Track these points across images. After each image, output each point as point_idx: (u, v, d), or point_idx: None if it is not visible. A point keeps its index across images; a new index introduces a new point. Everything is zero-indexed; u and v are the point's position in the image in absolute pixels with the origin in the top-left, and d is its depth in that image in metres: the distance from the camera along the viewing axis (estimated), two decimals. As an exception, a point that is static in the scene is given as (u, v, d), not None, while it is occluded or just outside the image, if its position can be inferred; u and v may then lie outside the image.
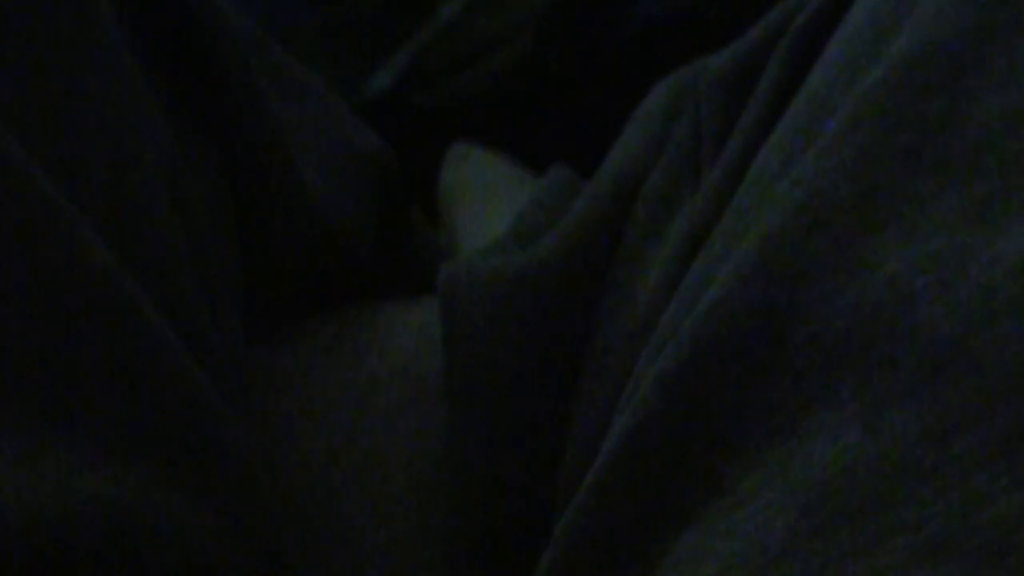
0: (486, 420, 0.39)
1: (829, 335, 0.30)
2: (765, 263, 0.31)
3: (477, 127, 0.60)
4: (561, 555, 0.32)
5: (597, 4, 0.60)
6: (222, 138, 0.39)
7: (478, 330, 0.39)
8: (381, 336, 0.42)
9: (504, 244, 0.42)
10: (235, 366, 0.37)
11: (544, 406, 0.39)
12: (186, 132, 0.39)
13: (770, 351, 0.30)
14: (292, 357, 0.41)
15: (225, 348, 0.37)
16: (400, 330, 0.42)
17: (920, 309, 0.29)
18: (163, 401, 0.33)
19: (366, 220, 0.44)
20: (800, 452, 0.29)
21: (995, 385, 0.28)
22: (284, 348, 0.42)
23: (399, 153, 0.46)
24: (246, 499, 0.34)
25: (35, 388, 0.31)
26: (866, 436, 0.29)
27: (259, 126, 0.40)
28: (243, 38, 0.41)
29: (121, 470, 0.32)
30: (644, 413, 0.31)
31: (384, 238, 0.45)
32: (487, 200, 0.53)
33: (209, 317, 0.36)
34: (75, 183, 0.33)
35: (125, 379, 0.32)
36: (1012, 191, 0.30)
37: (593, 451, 0.34)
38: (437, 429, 0.39)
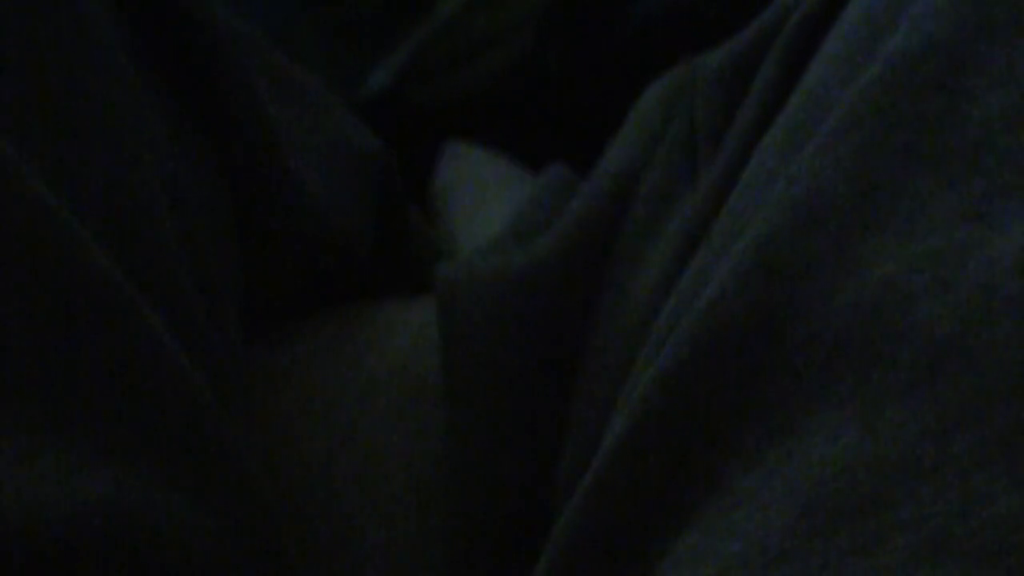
0: (485, 419, 0.38)
1: (827, 334, 0.30)
2: (763, 261, 0.31)
3: (476, 125, 0.60)
4: (560, 555, 0.32)
5: (596, 2, 0.60)
6: (220, 139, 0.39)
7: (476, 330, 0.39)
8: (380, 336, 0.42)
9: (502, 243, 0.42)
10: (234, 366, 0.37)
11: (543, 405, 0.39)
12: (184, 133, 0.39)
13: (768, 350, 0.30)
14: (291, 357, 0.41)
15: (224, 348, 0.37)
16: (399, 330, 0.42)
17: (919, 308, 0.29)
18: (162, 402, 0.33)
19: (364, 220, 0.44)
20: (799, 451, 0.29)
21: (994, 384, 0.28)
22: (283, 348, 0.42)
23: (398, 151, 0.46)
24: (245, 499, 0.34)
25: (35, 389, 0.31)
26: (865, 435, 0.29)
27: (256, 127, 0.40)
28: (240, 39, 0.41)
29: (121, 471, 0.32)
30: (643, 412, 0.31)
31: (382, 238, 0.45)
32: (482, 199, 0.53)
33: (207, 317, 0.36)
34: (73, 185, 0.33)
35: (124, 380, 0.32)
36: (1010, 189, 0.29)
37: (592, 450, 0.34)
38: (436, 429, 0.39)
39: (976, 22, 0.31)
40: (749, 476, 0.30)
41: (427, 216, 0.55)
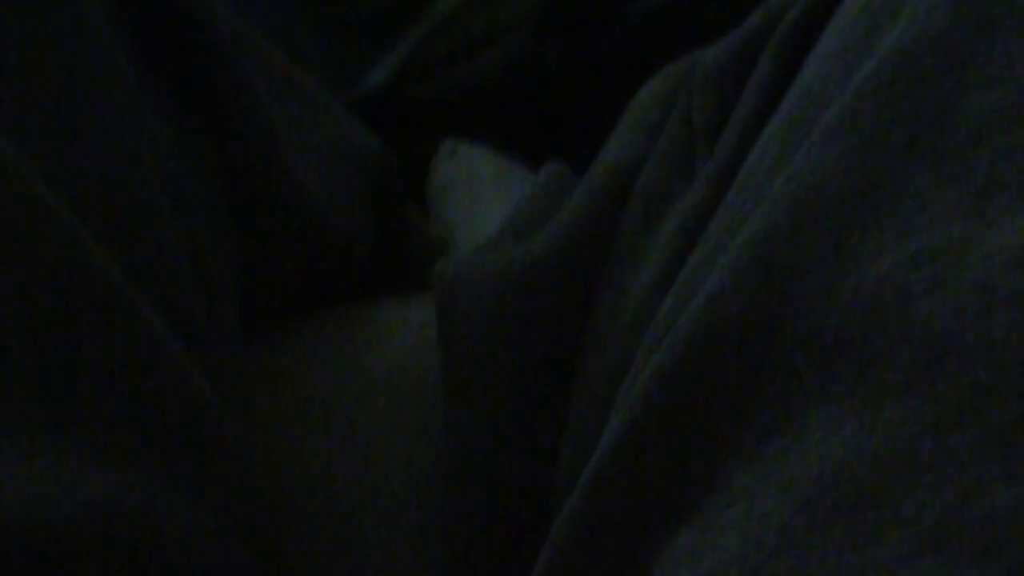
0: (484, 418, 0.39)
1: (826, 331, 0.30)
2: (761, 258, 0.31)
3: (474, 123, 0.60)
4: (559, 552, 0.32)
5: (595, 0, 0.60)
6: (219, 139, 0.39)
7: (475, 327, 0.39)
8: (379, 335, 0.42)
9: (500, 240, 0.42)
10: (233, 365, 0.37)
11: (542, 404, 0.39)
12: (184, 133, 0.39)
13: (767, 347, 0.30)
14: (290, 356, 0.41)
15: (223, 348, 0.37)
16: (398, 329, 0.42)
17: (916, 304, 0.29)
18: (162, 402, 0.33)
19: (363, 219, 0.44)
20: (797, 447, 0.29)
21: (992, 380, 0.28)
22: (282, 347, 0.42)
23: (396, 149, 0.46)
24: (245, 499, 0.34)
25: (35, 389, 0.31)
26: (863, 432, 0.29)
27: (255, 127, 0.40)
28: (240, 39, 0.41)
29: (121, 470, 0.32)
30: (641, 409, 0.31)
31: (381, 237, 0.45)
32: (480, 196, 0.53)
33: (207, 317, 0.36)
34: (73, 185, 0.33)
35: (124, 380, 0.32)
36: (1007, 185, 0.29)
37: (590, 448, 0.34)
38: (436, 428, 0.39)
39: (973, 18, 0.31)
40: (747, 472, 0.30)
41: (425, 213, 0.55)
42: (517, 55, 0.61)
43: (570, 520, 0.32)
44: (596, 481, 0.32)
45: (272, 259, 0.41)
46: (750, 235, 0.31)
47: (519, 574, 0.36)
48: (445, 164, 0.55)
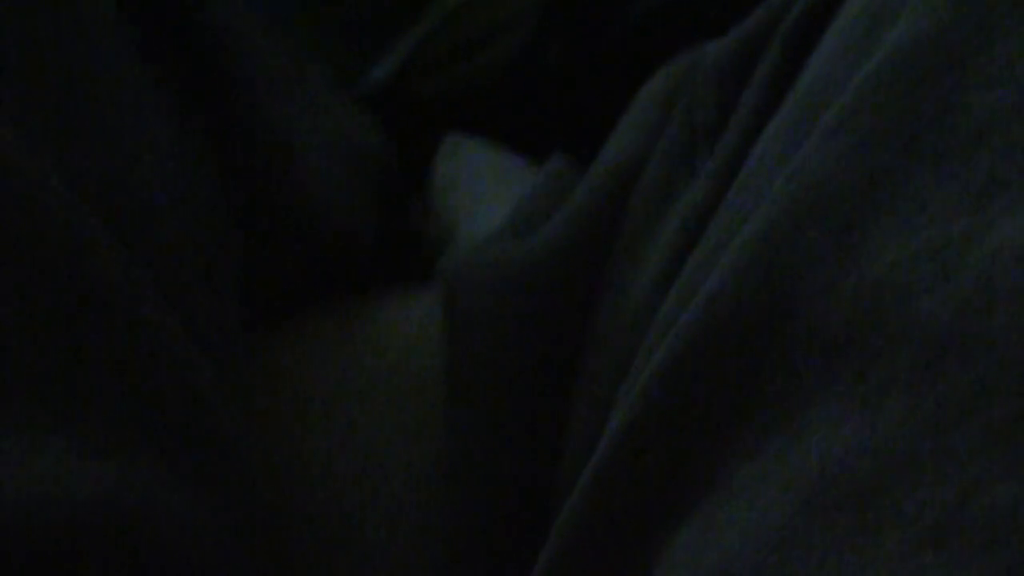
0: (484, 415, 0.39)
1: (827, 328, 0.30)
2: (762, 255, 0.31)
3: (477, 118, 0.60)
4: (559, 551, 0.32)
5: (596, -5, 0.60)
6: (220, 134, 0.39)
7: (476, 325, 0.39)
8: (381, 329, 0.42)
9: (502, 236, 0.42)
10: (234, 361, 0.37)
11: (542, 401, 0.39)
12: (184, 128, 0.39)
13: (768, 344, 0.30)
14: (291, 351, 0.41)
15: (224, 345, 0.37)
16: (400, 323, 0.42)
17: (918, 301, 0.29)
18: (163, 399, 0.33)
19: (365, 214, 0.44)
20: (798, 444, 0.29)
21: (993, 374, 0.28)
22: (283, 342, 0.42)
23: (398, 145, 0.46)
24: (247, 496, 0.34)
25: (36, 384, 0.31)
26: (864, 428, 0.29)
27: (258, 120, 0.40)
28: (241, 33, 0.41)
29: (122, 466, 0.32)
30: (642, 407, 0.31)
31: (384, 232, 0.45)
32: (481, 192, 0.52)
33: (208, 314, 0.36)
34: (76, 177, 0.33)
35: (125, 377, 0.32)
36: (1008, 183, 0.29)
37: (592, 445, 0.34)
38: (437, 423, 0.39)
39: (974, 17, 0.31)
40: (748, 469, 0.30)
41: (426, 209, 0.55)
42: (518, 53, 0.61)
43: (570, 519, 0.32)
44: (596, 480, 0.32)
45: (273, 255, 0.41)
46: (751, 234, 0.31)
47: (519, 574, 0.36)
48: (447, 161, 0.55)
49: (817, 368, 0.30)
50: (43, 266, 0.32)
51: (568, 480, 0.37)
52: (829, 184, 0.31)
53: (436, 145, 0.59)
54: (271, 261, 0.41)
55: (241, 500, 0.34)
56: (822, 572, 0.28)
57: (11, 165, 0.32)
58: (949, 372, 0.28)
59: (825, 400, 0.29)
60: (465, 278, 0.40)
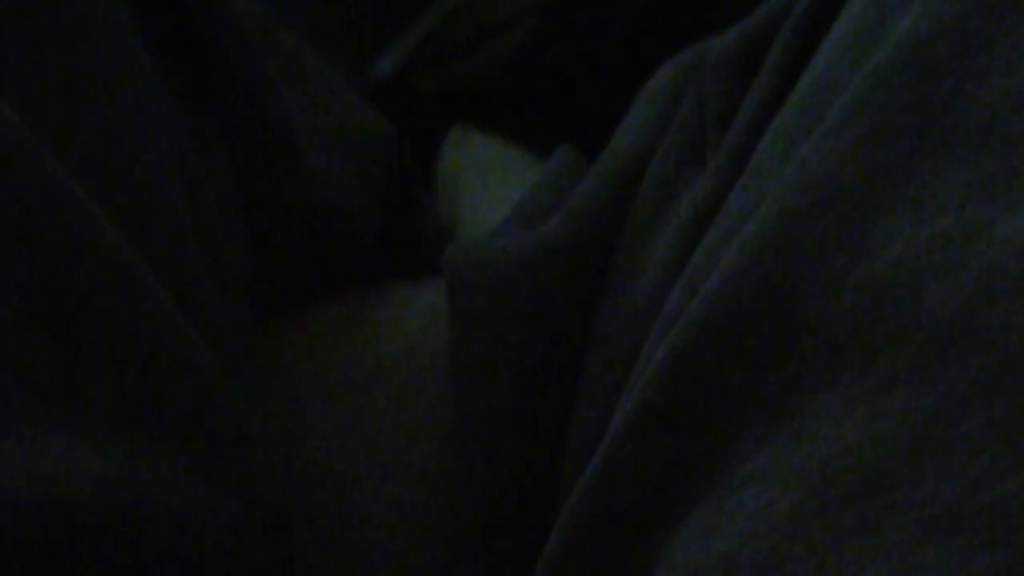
0: (492, 403, 0.38)
1: (836, 315, 0.30)
2: (770, 244, 0.31)
3: (482, 111, 0.60)
4: (568, 536, 0.32)
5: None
6: (228, 121, 0.39)
7: (484, 312, 0.39)
8: (388, 318, 0.42)
9: (508, 228, 0.42)
10: (242, 348, 0.37)
11: (550, 388, 0.39)
12: (193, 114, 0.39)
13: (776, 332, 0.30)
14: (299, 340, 0.41)
15: (230, 336, 0.37)
16: (407, 312, 0.42)
17: (926, 289, 0.29)
18: (173, 382, 0.33)
19: (372, 202, 0.44)
20: (806, 432, 0.29)
21: (999, 367, 0.28)
22: (291, 331, 0.42)
23: (405, 137, 0.46)
24: (255, 481, 0.34)
25: (37, 376, 0.31)
26: (873, 416, 0.29)
27: (265, 109, 0.40)
28: (250, 21, 0.41)
29: (130, 450, 0.32)
30: (652, 393, 0.31)
31: (390, 220, 0.45)
32: (487, 184, 0.53)
33: (214, 304, 0.36)
34: (83, 164, 0.33)
35: (133, 359, 0.32)
36: (1019, 172, 0.29)
37: (599, 433, 0.34)
38: (441, 419, 0.39)
39: (984, 5, 0.31)
40: (757, 456, 0.30)
41: (432, 201, 0.55)
42: (524, 45, 0.61)
43: (580, 503, 0.32)
44: (606, 464, 0.32)
45: (281, 241, 0.41)
46: (762, 221, 0.31)
47: (527, 559, 0.36)
48: (453, 151, 0.55)
49: (822, 361, 0.30)
50: (45, 258, 0.32)
51: (571, 476, 0.37)
52: (840, 172, 0.31)
53: (439, 140, 0.59)
54: (276, 254, 0.41)
55: (250, 485, 0.34)
56: (826, 565, 0.28)
57: (23, 143, 0.32)
58: (954, 365, 0.28)
59: (830, 393, 0.29)
60: (470, 271, 0.40)
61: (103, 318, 0.32)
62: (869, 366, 0.29)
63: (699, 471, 0.31)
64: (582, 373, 0.38)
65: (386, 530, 0.39)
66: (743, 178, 0.35)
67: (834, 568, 0.28)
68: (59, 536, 0.30)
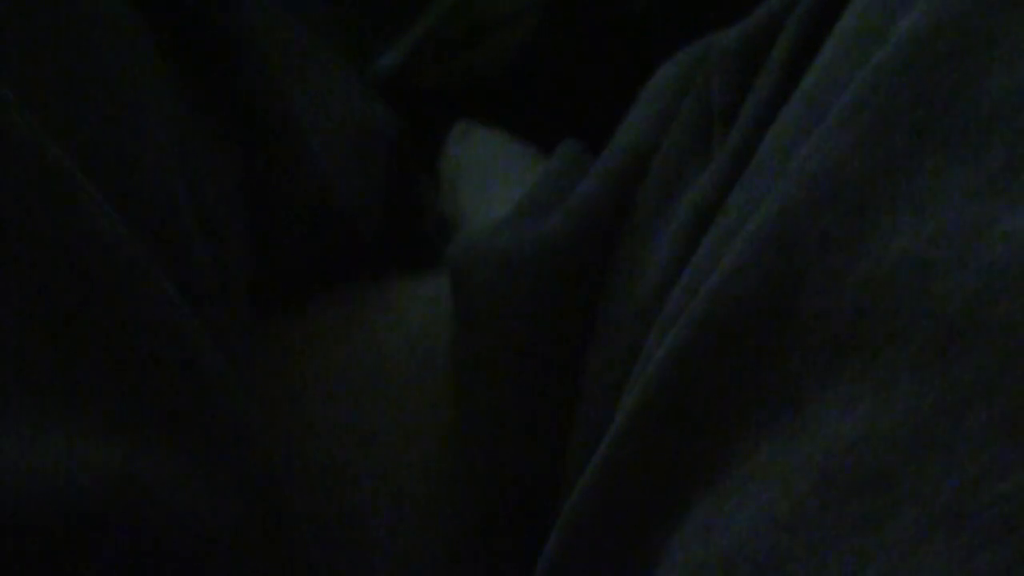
0: (493, 401, 0.38)
1: (841, 310, 0.30)
2: (777, 237, 0.31)
3: (485, 106, 0.60)
4: (571, 529, 0.32)
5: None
6: (231, 111, 0.39)
7: (487, 305, 0.39)
8: (390, 311, 0.42)
9: (512, 221, 0.42)
10: (243, 345, 0.37)
11: (552, 382, 0.38)
12: (196, 109, 0.39)
13: (782, 325, 0.30)
14: (300, 332, 0.41)
15: (235, 325, 0.37)
16: (408, 305, 0.42)
17: (933, 281, 0.29)
18: (173, 378, 0.32)
19: (375, 194, 0.44)
20: (812, 426, 0.29)
21: (1004, 361, 0.28)
22: (292, 323, 0.42)
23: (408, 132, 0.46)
24: (256, 475, 0.34)
25: (43, 363, 0.31)
26: (878, 410, 0.29)
27: (268, 99, 0.40)
28: (254, 13, 0.41)
29: (130, 444, 0.32)
30: (656, 387, 0.31)
31: (393, 212, 0.45)
32: (491, 178, 0.53)
33: (218, 295, 0.36)
34: (84, 157, 0.33)
35: (135, 355, 0.32)
36: (1020, 168, 0.29)
37: (601, 428, 0.34)
38: (444, 409, 0.39)
39: (986, 3, 0.31)
40: (761, 450, 0.30)
41: (436, 193, 0.55)
42: (527, 41, 0.61)
43: (583, 496, 0.32)
44: (607, 463, 0.31)
45: (283, 233, 0.41)
46: (766, 215, 0.31)
47: (527, 558, 0.36)
48: (457, 146, 0.55)
49: (824, 358, 0.30)
50: (47, 251, 0.31)
51: (571, 476, 0.37)
52: (845, 165, 0.31)
53: (442, 136, 0.59)
54: (277, 247, 0.41)
55: (251, 479, 0.34)
56: (828, 562, 0.28)
57: (20, 133, 0.31)
58: (962, 357, 0.28)
59: (839, 381, 0.29)
60: (473, 264, 0.40)
61: (105, 312, 0.32)
62: (871, 363, 0.29)
63: (700, 469, 0.31)
64: (583, 372, 0.38)
65: (386, 528, 0.39)
66: (745, 176, 0.35)
67: (836, 566, 0.28)
68: (59, 532, 0.30)
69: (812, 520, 0.28)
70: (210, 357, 0.33)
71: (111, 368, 0.32)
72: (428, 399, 0.40)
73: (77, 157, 0.33)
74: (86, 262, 0.32)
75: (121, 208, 0.33)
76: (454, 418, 0.39)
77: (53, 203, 0.31)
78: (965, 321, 0.29)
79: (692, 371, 0.31)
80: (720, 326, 0.31)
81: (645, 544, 0.31)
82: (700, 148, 0.40)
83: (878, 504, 0.28)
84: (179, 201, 0.35)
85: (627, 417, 0.31)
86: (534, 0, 0.62)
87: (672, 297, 0.35)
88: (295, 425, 0.40)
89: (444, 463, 0.39)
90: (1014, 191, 0.29)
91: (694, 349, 0.31)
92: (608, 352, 0.38)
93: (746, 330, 0.31)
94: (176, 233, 0.35)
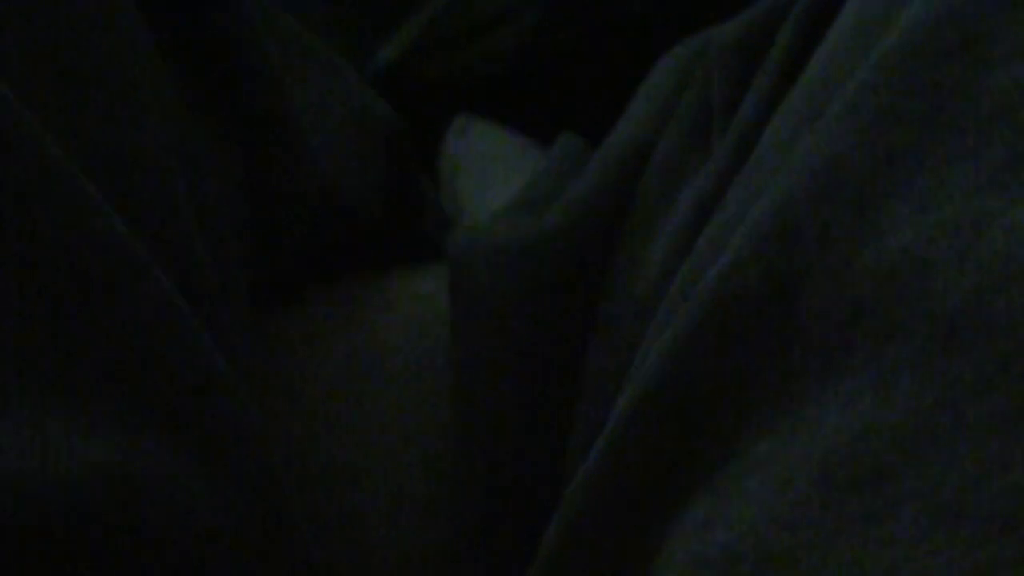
0: (493, 396, 0.38)
1: (843, 302, 0.30)
2: (778, 229, 0.31)
3: (485, 100, 0.60)
4: (569, 521, 0.32)
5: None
6: (231, 111, 0.39)
7: (486, 298, 0.39)
8: (388, 305, 0.42)
9: (511, 213, 0.42)
10: (243, 340, 0.37)
11: (552, 379, 0.38)
12: (196, 105, 0.39)
13: (782, 318, 0.30)
14: (299, 326, 0.41)
15: (234, 319, 0.37)
16: (407, 299, 0.42)
17: (935, 276, 0.29)
18: (172, 370, 0.32)
19: (374, 189, 0.44)
20: (813, 419, 0.29)
21: (1007, 354, 0.28)
22: (291, 317, 0.42)
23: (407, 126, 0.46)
24: (254, 472, 0.34)
25: (41, 353, 0.31)
26: (880, 404, 0.29)
27: (267, 94, 0.40)
28: (254, 11, 0.41)
29: (127, 437, 0.31)
30: (656, 379, 0.31)
31: (392, 207, 0.45)
32: (490, 173, 0.53)
33: (217, 289, 0.36)
34: (84, 152, 0.33)
35: (134, 346, 0.32)
36: None
37: (601, 421, 0.34)
38: (443, 403, 0.39)
39: None
40: (762, 444, 0.30)
41: (436, 187, 0.55)
42: (527, 34, 0.61)
43: (581, 490, 0.32)
44: (609, 450, 0.31)
45: (282, 228, 0.41)
46: (768, 206, 0.31)
47: (527, 547, 0.36)
48: (456, 140, 0.55)
49: (833, 341, 0.30)
50: (46, 243, 0.31)
51: (577, 453, 0.37)
52: (848, 157, 0.31)
53: (442, 130, 0.59)
54: (277, 241, 0.41)
55: (249, 473, 0.34)
56: (830, 556, 0.28)
57: (21, 130, 0.31)
58: (965, 350, 0.28)
59: (841, 375, 0.29)
60: (473, 256, 0.40)
61: (104, 304, 0.32)
62: (874, 355, 0.29)
63: (701, 461, 0.31)
64: (584, 365, 0.38)
65: (386, 527, 0.38)
66: (749, 163, 0.35)
67: (837, 559, 0.28)
68: (55, 522, 0.30)
69: (812, 516, 0.28)
70: (209, 351, 0.33)
71: (111, 367, 0.32)
72: (426, 395, 0.40)
73: (77, 157, 0.33)
74: (86, 262, 0.32)
75: (121, 208, 0.33)
76: (453, 415, 0.39)
77: (53, 203, 0.31)
78: (966, 317, 0.28)
79: (692, 362, 0.31)
80: (719, 321, 0.31)
81: (644, 536, 0.31)
82: (700, 142, 0.40)
83: (879, 500, 0.28)
84: (179, 201, 0.35)
85: (627, 408, 0.31)
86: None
87: (673, 288, 0.35)
88: (295, 424, 0.40)
89: (443, 460, 0.39)
90: (1015, 187, 0.29)
91: (693, 344, 0.31)
92: (608, 348, 0.38)
93: (747, 321, 0.31)
94: (176, 233, 0.35)
